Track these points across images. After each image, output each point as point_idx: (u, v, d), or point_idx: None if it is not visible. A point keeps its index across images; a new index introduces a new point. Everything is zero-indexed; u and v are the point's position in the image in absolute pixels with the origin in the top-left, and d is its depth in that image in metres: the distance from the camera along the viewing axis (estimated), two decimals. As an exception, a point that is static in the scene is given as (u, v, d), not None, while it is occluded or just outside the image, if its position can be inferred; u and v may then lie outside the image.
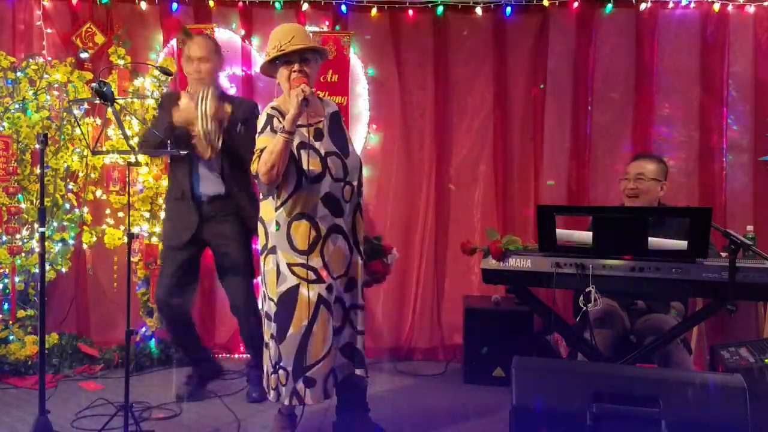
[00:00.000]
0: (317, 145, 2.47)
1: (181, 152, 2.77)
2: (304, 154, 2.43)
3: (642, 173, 2.96)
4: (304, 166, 2.41)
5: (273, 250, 2.47)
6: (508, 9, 3.98)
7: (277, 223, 2.44)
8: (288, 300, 2.42)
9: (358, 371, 2.58)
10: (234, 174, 3.09)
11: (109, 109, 2.51)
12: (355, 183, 2.55)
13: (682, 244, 2.33)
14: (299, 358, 2.40)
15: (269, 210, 2.48)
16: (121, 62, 3.78)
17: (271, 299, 2.48)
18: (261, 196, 2.57)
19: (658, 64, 3.95)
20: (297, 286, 2.41)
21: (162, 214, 3.63)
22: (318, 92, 2.75)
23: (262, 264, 2.54)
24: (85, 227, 3.81)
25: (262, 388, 3.17)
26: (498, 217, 4.02)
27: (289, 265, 2.43)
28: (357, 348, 2.58)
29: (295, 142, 2.42)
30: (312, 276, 2.42)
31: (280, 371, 2.45)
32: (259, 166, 2.37)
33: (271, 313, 2.49)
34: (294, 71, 2.45)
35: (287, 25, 2.57)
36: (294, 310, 2.41)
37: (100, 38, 3.94)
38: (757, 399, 2.35)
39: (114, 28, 3.95)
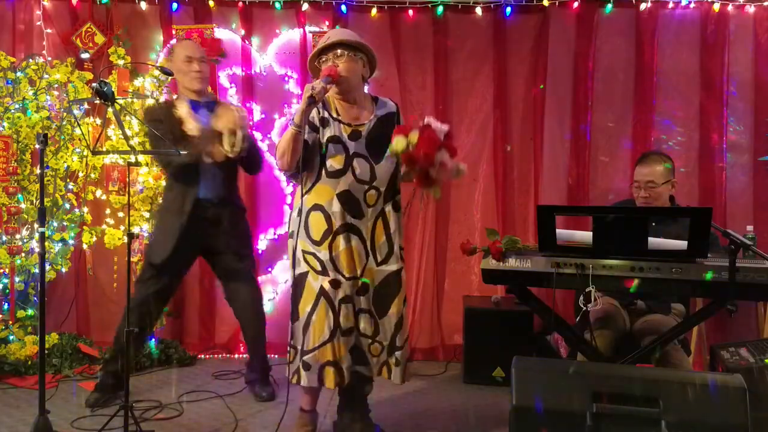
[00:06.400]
0: (349, 143, 2.49)
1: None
2: (331, 148, 2.48)
3: (652, 180, 2.95)
4: (327, 160, 2.47)
5: (293, 235, 2.55)
6: (508, 9, 3.98)
7: (299, 210, 2.51)
8: (298, 284, 2.52)
9: (358, 367, 2.57)
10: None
11: (110, 109, 2.52)
12: (383, 189, 2.53)
13: (682, 244, 2.33)
14: (302, 340, 2.50)
15: (297, 196, 2.54)
16: (121, 62, 3.78)
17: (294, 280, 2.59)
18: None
19: (658, 64, 3.95)
20: (306, 274, 2.50)
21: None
22: (368, 93, 2.68)
23: (289, 247, 2.62)
24: (85, 227, 3.81)
25: (271, 387, 3.22)
26: (498, 217, 4.01)
27: (304, 252, 2.51)
28: (362, 350, 2.56)
29: (327, 135, 2.48)
30: (318, 267, 2.48)
31: (291, 349, 2.56)
32: (276, 151, 2.47)
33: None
34: (322, 62, 2.49)
35: (333, 29, 2.60)
36: (301, 296, 2.51)
37: (100, 38, 3.95)
38: (757, 399, 2.35)
39: (114, 28, 3.96)
